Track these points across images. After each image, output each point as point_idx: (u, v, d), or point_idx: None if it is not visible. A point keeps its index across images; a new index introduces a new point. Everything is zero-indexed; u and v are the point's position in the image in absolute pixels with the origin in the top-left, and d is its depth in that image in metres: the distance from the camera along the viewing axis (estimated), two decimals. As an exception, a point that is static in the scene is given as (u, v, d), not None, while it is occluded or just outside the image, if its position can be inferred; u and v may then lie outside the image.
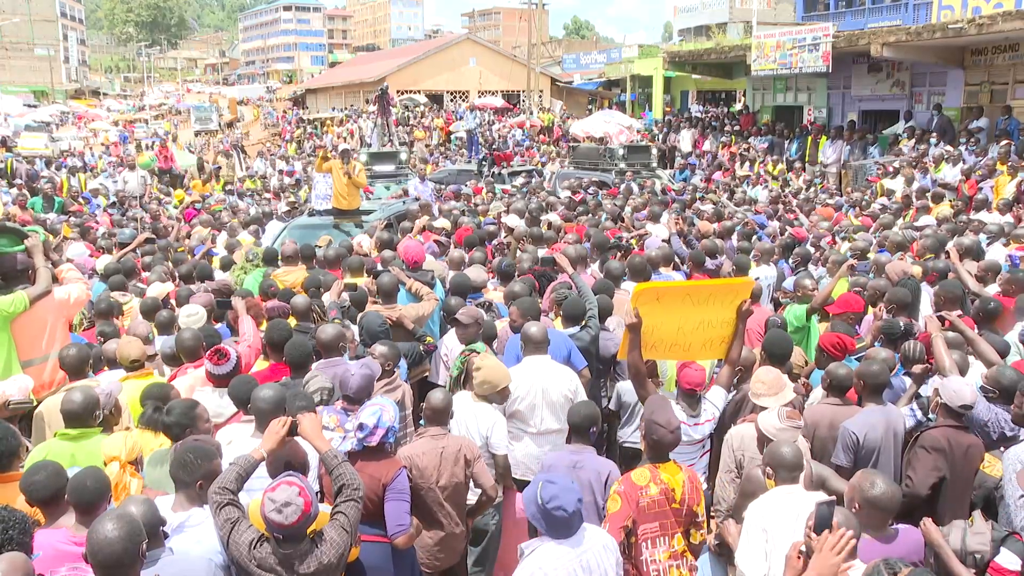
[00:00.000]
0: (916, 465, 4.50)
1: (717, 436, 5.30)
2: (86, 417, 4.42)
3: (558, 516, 3.47)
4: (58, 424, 4.67)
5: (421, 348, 6.40)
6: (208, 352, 5.29)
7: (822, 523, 3.27)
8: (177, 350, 5.78)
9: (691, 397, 5.00)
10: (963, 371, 5.19)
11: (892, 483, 3.70)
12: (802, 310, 6.89)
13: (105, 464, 4.16)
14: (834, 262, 8.15)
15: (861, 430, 4.68)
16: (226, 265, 9.20)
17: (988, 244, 9.23)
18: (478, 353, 5.72)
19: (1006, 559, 3.48)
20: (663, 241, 9.25)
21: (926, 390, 5.15)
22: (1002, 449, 4.64)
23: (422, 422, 4.90)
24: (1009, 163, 13.72)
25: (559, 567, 3.48)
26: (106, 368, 5.66)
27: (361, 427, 4.13)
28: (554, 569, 3.48)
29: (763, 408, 4.76)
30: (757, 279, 7.96)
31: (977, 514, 3.87)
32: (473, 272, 7.73)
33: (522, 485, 5.35)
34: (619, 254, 8.77)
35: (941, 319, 5.76)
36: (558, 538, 3.53)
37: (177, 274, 8.56)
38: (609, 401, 6.52)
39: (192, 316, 6.40)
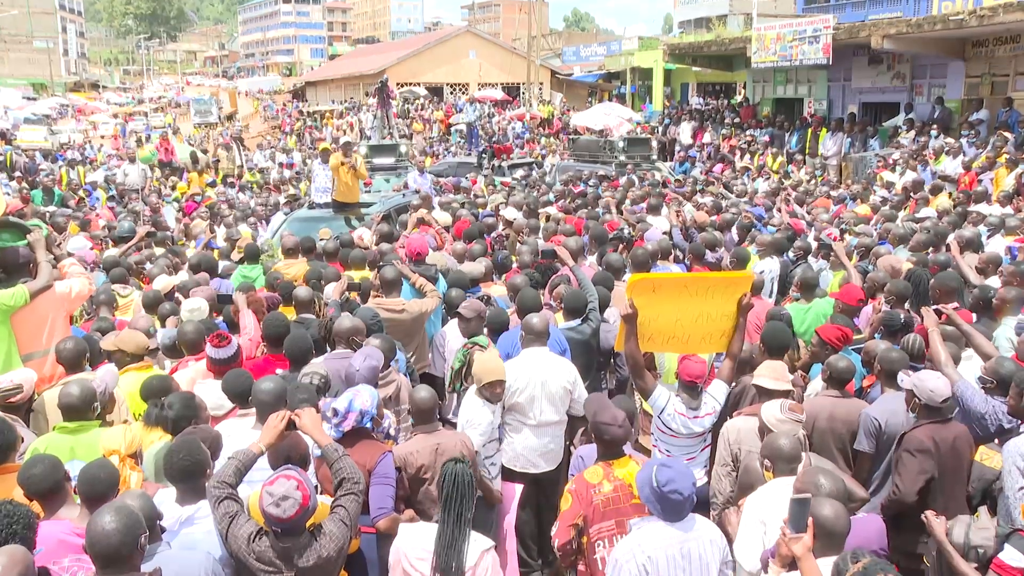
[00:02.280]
0: (902, 471, 4.46)
1: (715, 429, 5.30)
2: (84, 410, 4.41)
3: (674, 499, 3.50)
4: (55, 417, 4.67)
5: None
6: (210, 336, 5.29)
7: (798, 520, 3.27)
8: (179, 342, 5.77)
9: (692, 389, 4.97)
10: (955, 362, 5.19)
11: (835, 478, 3.68)
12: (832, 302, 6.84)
13: (104, 457, 4.17)
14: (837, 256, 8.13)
15: (883, 416, 4.71)
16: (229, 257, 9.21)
17: (988, 237, 9.22)
18: (481, 347, 5.71)
19: (1010, 556, 3.47)
20: (663, 233, 9.25)
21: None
22: (997, 441, 4.63)
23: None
24: (1008, 156, 13.69)
25: (658, 547, 3.52)
26: (107, 361, 5.67)
27: (335, 412, 4.12)
28: (653, 549, 3.51)
29: (761, 401, 4.75)
30: (761, 272, 7.96)
31: (983, 510, 3.87)
32: (468, 266, 7.73)
33: (521, 478, 5.37)
34: (621, 246, 8.78)
35: (938, 312, 5.75)
36: (668, 520, 3.56)
37: (186, 265, 8.58)
38: (610, 394, 6.52)
39: (195, 310, 6.41)
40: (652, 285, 5.07)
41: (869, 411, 4.76)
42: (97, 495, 3.48)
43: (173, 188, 19.02)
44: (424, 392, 4.68)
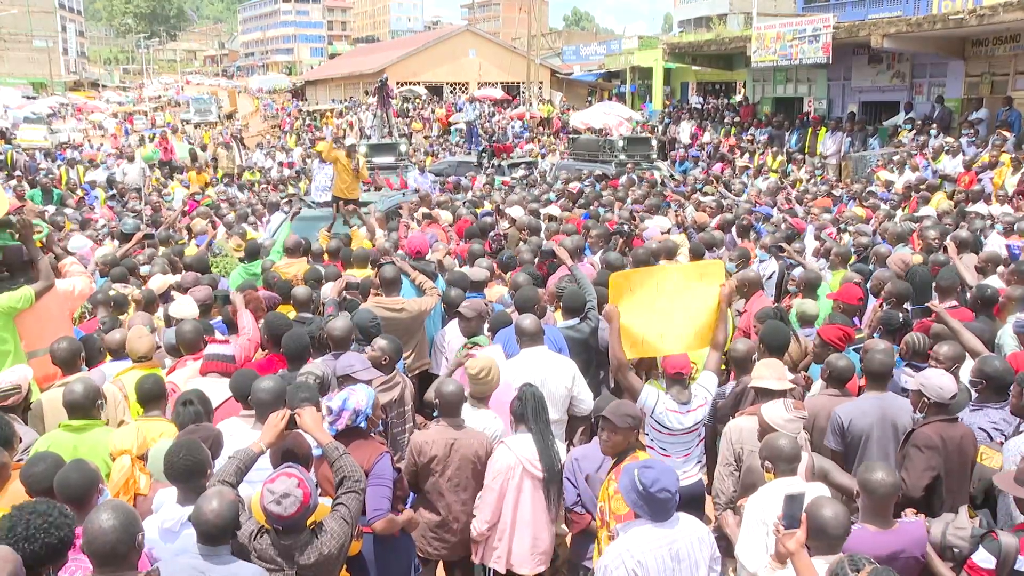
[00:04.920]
0: (909, 466, 4.46)
1: (714, 428, 5.29)
2: (88, 408, 4.42)
3: (662, 498, 3.46)
4: (53, 418, 4.69)
5: None
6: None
7: (791, 517, 3.28)
8: (177, 342, 5.77)
9: (679, 382, 4.96)
10: (960, 361, 5.19)
11: (891, 472, 3.70)
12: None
13: (113, 458, 4.18)
14: (836, 254, 8.15)
15: (848, 415, 4.72)
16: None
17: (985, 235, 9.23)
18: (481, 346, 5.71)
19: (981, 557, 3.51)
20: (663, 232, 9.26)
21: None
22: (999, 441, 4.63)
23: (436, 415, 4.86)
24: (1011, 154, 13.68)
25: (647, 550, 3.48)
26: (103, 361, 5.67)
27: (329, 411, 4.13)
28: (642, 553, 3.47)
29: (762, 401, 4.74)
30: (772, 275, 7.98)
31: (963, 509, 3.89)
32: (473, 271, 7.71)
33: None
34: (621, 240, 8.82)
35: (928, 311, 5.76)
36: (656, 521, 3.52)
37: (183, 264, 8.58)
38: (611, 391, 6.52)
39: (184, 308, 6.42)
40: (629, 284, 5.05)
41: (837, 409, 4.77)
42: (74, 499, 3.44)
43: (164, 186, 18.95)
44: (451, 385, 4.71)
